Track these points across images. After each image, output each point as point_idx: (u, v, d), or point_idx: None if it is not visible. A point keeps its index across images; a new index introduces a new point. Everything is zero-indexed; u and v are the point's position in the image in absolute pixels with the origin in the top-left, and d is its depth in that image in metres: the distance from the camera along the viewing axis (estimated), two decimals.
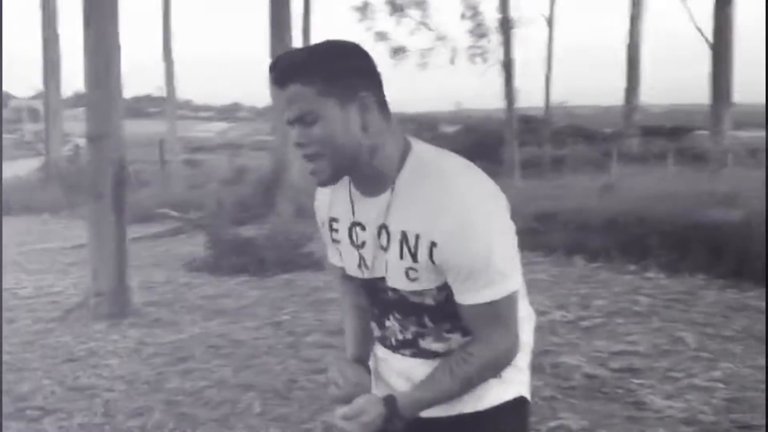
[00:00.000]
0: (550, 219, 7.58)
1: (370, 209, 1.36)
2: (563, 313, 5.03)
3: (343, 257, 1.48)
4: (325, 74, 1.25)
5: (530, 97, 27.65)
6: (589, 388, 3.69)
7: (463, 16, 18.76)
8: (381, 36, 19.43)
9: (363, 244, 1.39)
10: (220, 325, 5.10)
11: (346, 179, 1.39)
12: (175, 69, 18.07)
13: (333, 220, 1.47)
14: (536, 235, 7.15)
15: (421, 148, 1.35)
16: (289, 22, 11.57)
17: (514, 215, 1.37)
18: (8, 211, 10.96)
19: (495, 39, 17.50)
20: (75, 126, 17.94)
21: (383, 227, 1.35)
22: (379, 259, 1.37)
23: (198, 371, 4.12)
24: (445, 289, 1.34)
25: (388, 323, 1.45)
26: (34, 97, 30.33)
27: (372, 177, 1.33)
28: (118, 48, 5.13)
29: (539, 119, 21.12)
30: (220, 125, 53.99)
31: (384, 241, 1.35)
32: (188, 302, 5.86)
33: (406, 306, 1.39)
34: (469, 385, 1.37)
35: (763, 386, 3.51)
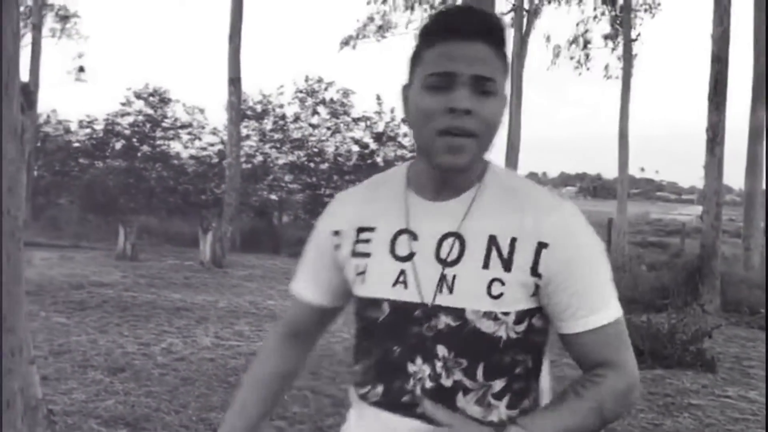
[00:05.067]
0: None
1: (436, 215, 1.15)
2: None
3: (367, 276, 1.18)
4: (505, 53, 1.13)
5: None
6: None
7: None
8: None
9: (410, 256, 1.15)
10: None
11: (395, 179, 1.23)
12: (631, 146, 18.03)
13: (363, 229, 1.21)
14: None
15: (496, 164, 1.22)
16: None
17: None
18: None
19: None
20: None
21: (452, 235, 1.13)
22: (428, 276, 1.12)
23: None
24: (526, 318, 1.11)
25: (413, 368, 1.12)
26: None
27: (459, 179, 1.15)
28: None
29: None
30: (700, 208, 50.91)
31: (452, 253, 1.12)
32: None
33: (461, 339, 1.10)
34: (600, 417, 1.09)
35: None
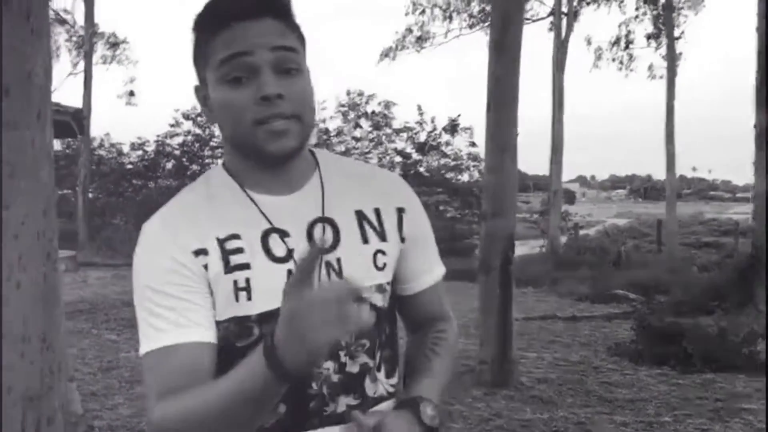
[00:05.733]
0: None
1: (294, 207, 1.07)
2: None
3: (253, 289, 1.03)
4: (296, 25, 1.05)
5: None
6: None
7: None
8: None
9: (290, 254, 1.05)
10: (593, 414, 4.83)
11: (222, 184, 1.09)
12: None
13: (226, 239, 1.04)
14: None
15: (315, 149, 1.18)
16: None
17: None
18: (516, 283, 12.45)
19: None
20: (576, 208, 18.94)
21: (321, 221, 1.07)
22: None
23: None
24: (388, 288, 1.13)
25: (315, 371, 1.03)
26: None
27: (295, 168, 1.08)
28: (515, 134, 5.50)
29: None
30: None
31: (327, 237, 1.06)
32: (581, 385, 5.69)
33: None
34: (452, 366, 1.21)
35: None
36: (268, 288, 1.01)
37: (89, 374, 5.51)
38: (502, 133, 5.48)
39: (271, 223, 1.05)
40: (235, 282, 1.02)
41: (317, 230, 1.06)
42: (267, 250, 1.04)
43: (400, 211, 1.13)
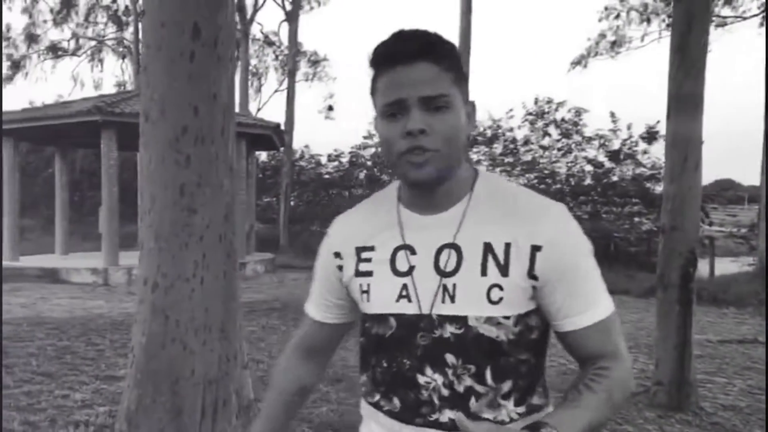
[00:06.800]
0: None
1: (431, 228, 1.19)
2: None
3: (371, 293, 1.24)
4: (456, 63, 1.16)
5: None
6: None
7: None
8: None
9: (410, 270, 1.19)
10: None
11: (388, 198, 1.28)
12: None
13: (363, 249, 1.26)
14: None
15: (486, 172, 1.27)
16: None
17: None
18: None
19: None
20: None
21: (449, 246, 1.17)
22: (429, 288, 1.17)
23: None
24: (526, 320, 1.15)
25: (423, 379, 1.17)
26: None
27: (444, 192, 1.19)
28: (698, 142, 5.15)
29: None
30: None
31: (450, 263, 1.16)
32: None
33: (467, 346, 1.15)
34: (611, 406, 1.12)
35: None
36: (382, 295, 1.22)
37: (273, 367, 6.00)
38: (684, 142, 5.15)
39: (403, 241, 1.21)
40: (360, 285, 1.26)
41: (443, 254, 1.17)
42: (392, 263, 1.21)
43: (536, 248, 1.12)
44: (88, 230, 20.40)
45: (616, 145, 18.84)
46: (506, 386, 1.17)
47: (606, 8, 20.02)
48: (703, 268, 15.63)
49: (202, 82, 3.24)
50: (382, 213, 1.26)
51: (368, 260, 1.25)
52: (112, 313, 9.19)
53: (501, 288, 1.13)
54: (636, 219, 18.15)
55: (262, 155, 24.39)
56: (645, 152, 18.45)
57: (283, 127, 19.61)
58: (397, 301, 1.20)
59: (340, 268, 1.29)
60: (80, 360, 6.13)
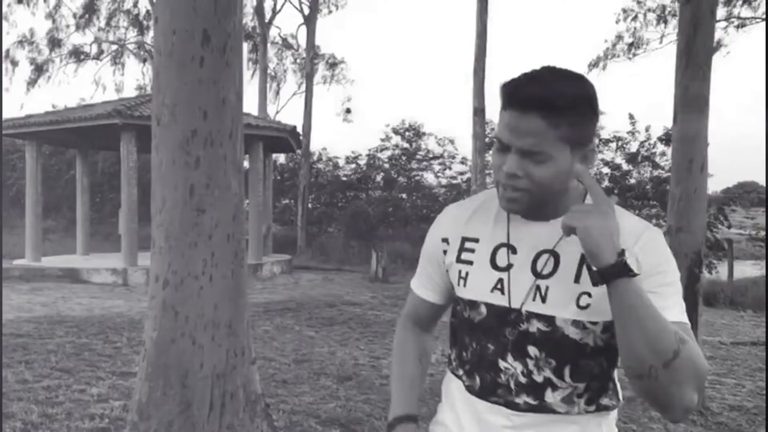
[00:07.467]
0: None
1: (534, 233, 1.30)
2: None
3: (468, 280, 1.36)
4: (573, 119, 1.18)
5: None
6: None
7: None
8: None
9: (508, 266, 1.31)
10: None
11: (490, 200, 1.38)
12: None
13: (468, 239, 1.38)
14: None
15: None
16: None
17: None
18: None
19: None
20: None
21: (548, 252, 1.28)
22: (523, 285, 1.28)
23: None
24: (612, 328, 1.18)
25: (503, 364, 1.30)
26: None
27: (550, 206, 1.28)
28: (704, 145, 5.19)
29: None
30: None
31: (546, 267, 1.27)
32: None
33: (551, 342, 1.26)
34: (674, 348, 1.09)
35: None
36: (478, 284, 1.34)
37: (284, 365, 6.12)
38: (690, 144, 5.19)
39: (507, 240, 1.32)
40: (459, 271, 1.38)
41: (541, 258, 1.28)
42: (493, 257, 1.33)
43: None
44: (109, 231, 20.75)
45: (634, 147, 18.77)
46: (581, 386, 1.28)
47: (623, 10, 19.98)
48: (722, 270, 15.58)
49: (211, 87, 3.37)
50: (493, 210, 1.36)
51: (471, 250, 1.37)
52: (130, 312, 9.38)
53: (590, 296, 1.23)
54: (654, 221, 18.06)
55: (281, 158, 24.61)
56: (663, 154, 18.34)
57: (300, 130, 19.79)
58: (492, 291, 1.32)
59: (445, 252, 1.41)
60: (98, 357, 6.29)
